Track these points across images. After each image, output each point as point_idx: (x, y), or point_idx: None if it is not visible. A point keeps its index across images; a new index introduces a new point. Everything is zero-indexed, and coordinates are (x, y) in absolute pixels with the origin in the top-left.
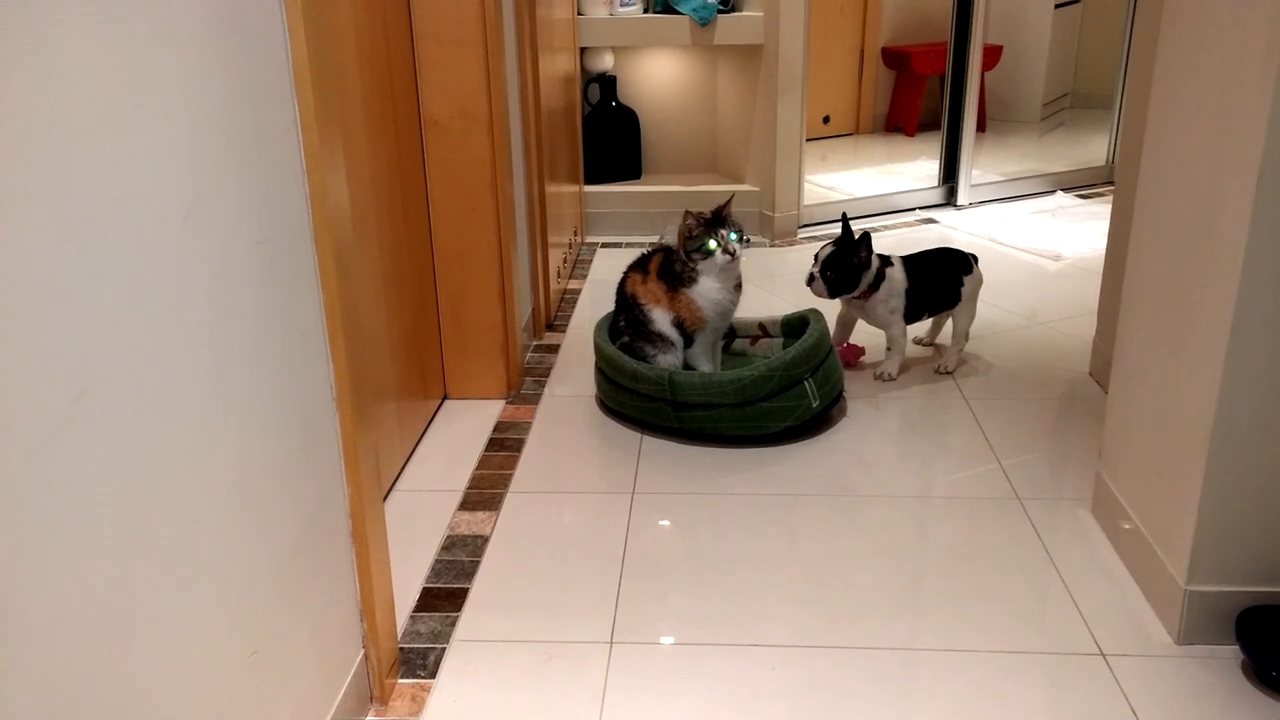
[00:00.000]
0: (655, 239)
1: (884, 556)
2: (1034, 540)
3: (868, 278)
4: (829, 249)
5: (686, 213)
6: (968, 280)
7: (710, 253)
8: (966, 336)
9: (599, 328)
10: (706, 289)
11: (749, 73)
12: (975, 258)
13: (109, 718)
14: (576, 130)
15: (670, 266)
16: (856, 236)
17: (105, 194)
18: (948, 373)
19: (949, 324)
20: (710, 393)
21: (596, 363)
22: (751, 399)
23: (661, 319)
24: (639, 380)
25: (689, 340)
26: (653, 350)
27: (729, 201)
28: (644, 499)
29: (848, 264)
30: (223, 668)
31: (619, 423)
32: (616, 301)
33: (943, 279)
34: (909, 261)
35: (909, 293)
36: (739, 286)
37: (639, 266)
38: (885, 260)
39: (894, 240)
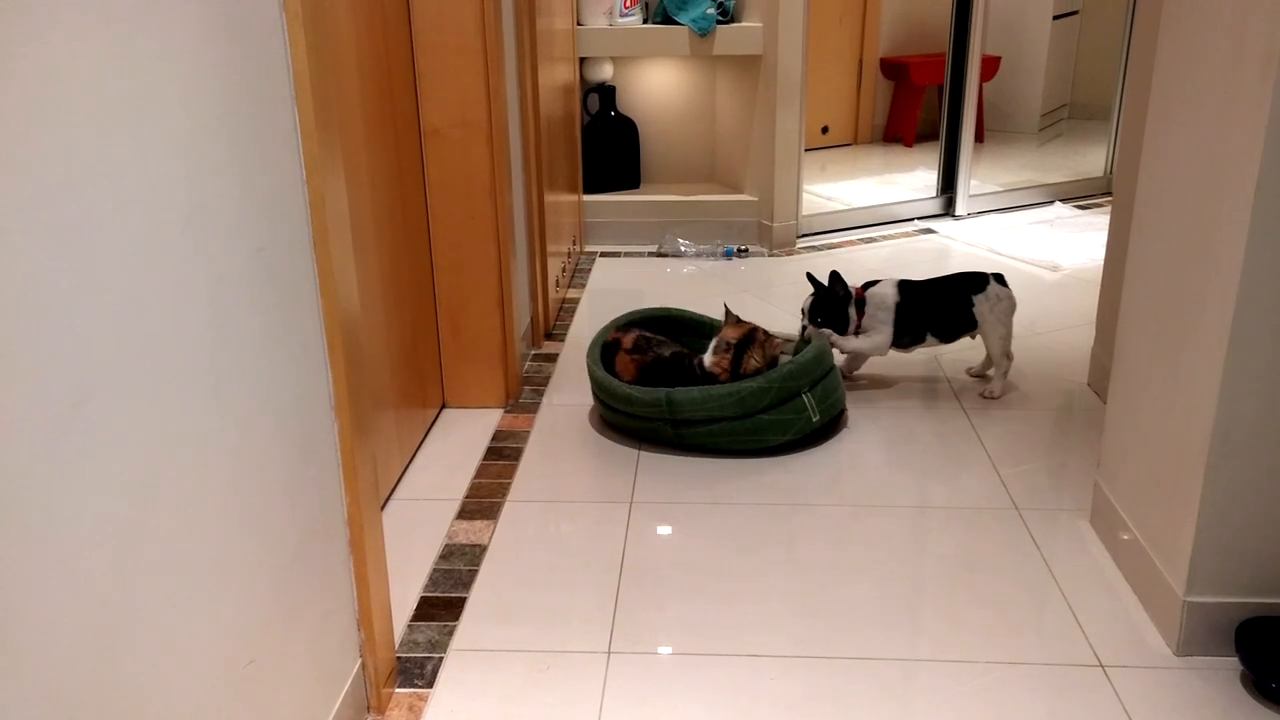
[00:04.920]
0: (653, 248)
1: (883, 567)
2: (1033, 551)
3: (854, 311)
4: (809, 299)
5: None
6: (979, 299)
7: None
8: (1008, 357)
9: (591, 351)
10: None
11: (748, 83)
12: (997, 276)
13: None
14: (576, 140)
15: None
16: (828, 281)
17: (104, 201)
18: (993, 398)
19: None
20: (710, 406)
21: (592, 386)
22: (751, 411)
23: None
24: (634, 404)
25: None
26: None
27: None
28: (642, 508)
29: (833, 305)
30: (220, 676)
31: (617, 433)
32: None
33: (948, 299)
34: (911, 283)
35: (900, 308)
36: None
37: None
38: (872, 283)
39: (891, 250)
